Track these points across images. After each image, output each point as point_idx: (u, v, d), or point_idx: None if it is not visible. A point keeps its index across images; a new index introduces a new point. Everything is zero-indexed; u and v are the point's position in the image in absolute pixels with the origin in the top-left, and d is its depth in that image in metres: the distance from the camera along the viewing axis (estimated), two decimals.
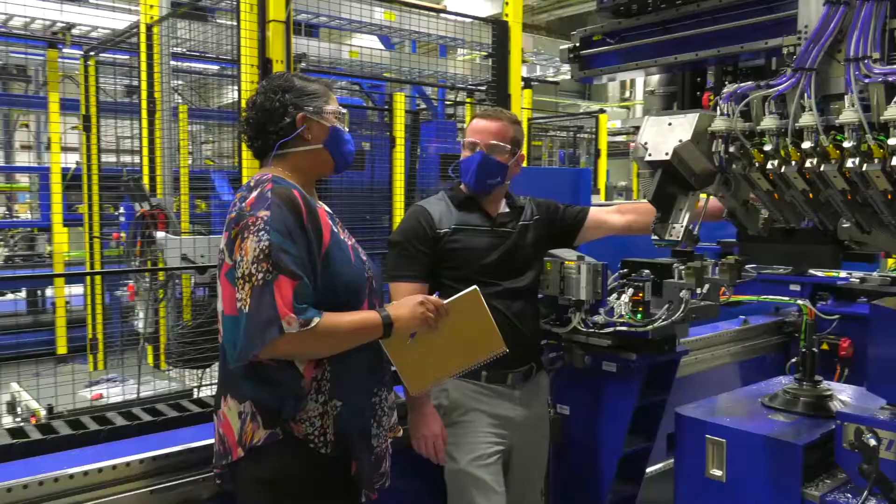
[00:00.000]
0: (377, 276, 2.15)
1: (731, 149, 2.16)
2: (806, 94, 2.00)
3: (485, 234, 2.68)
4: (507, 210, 2.79)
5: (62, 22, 7.06)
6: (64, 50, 7.42)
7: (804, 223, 2.41)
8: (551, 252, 3.07)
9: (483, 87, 9.32)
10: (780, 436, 2.49)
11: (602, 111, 10.71)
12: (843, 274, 4.66)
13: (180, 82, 9.06)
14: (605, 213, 2.98)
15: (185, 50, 6.70)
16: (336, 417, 1.95)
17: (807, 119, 1.99)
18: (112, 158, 7.68)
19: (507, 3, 4.72)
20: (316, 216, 1.94)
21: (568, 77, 15.06)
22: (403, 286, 2.56)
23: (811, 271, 4.67)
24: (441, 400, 2.63)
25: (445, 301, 2.09)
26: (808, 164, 2.02)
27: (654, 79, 3.19)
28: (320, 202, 2.16)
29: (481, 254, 2.64)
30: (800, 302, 4.46)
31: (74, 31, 7.38)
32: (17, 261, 8.75)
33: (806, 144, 2.00)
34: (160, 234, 4.38)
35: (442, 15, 7.62)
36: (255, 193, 1.92)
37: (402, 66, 9.02)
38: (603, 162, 9.52)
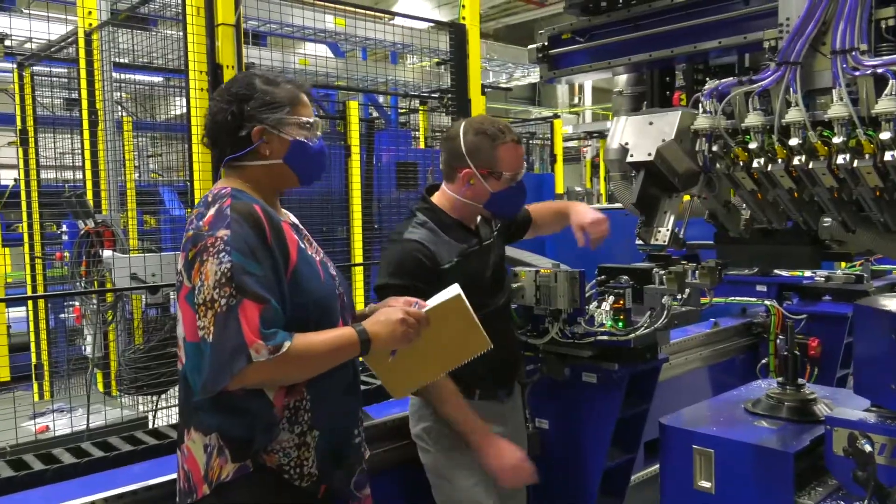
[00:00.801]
0: (348, 291, 2.01)
1: (715, 147, 2.07)
2: (791, 89, 1.93)
3: (476, 255, 2.52)
4: (481, 218, 2.64)
5: None
6: None
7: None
8: (523, 260, 2.95)
9: (436, 95, 9.28)
10: (770, 443, 2.41)
11: (556, 116, 10.71)
12: (807, 273, 4.66)
13: (124, 94, 8.74)
14: (534, 213, 2.90)
15: (128, 60, 6.42)
16: (317, 449, 1.82)
17: (793, 115, 1.92)
18: (53, 174, 7.33)
19: (463, 7, 4.61)
20: (280, 232, 1.79)
21: (520, 83, 15.11)
22: None
23: (776, 271, 4.67)
24: (431, 422, 2.48)
25: (426, 308, 1.92)
26: (795, 162, 1.95)
27: (622, 79, 3.10)
28: (287, 213, 2.03)
29: (478, 276, 2.47)
30: (767, 303, 4.47)
31: (7, 42, 7.03)
32: None
33: (793, 141, 1.93)
34: (107, 253, 4.13)
35: (394, 21, 7.49)
36: (213, 210, 1.76)
37: (353, 73, 8.87)
38: (559, 167, 9.50)
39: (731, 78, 2.05)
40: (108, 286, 4.32)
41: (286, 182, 1.93)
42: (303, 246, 1.87)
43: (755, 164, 2.01)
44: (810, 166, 1.93)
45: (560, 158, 9.68)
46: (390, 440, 2.67)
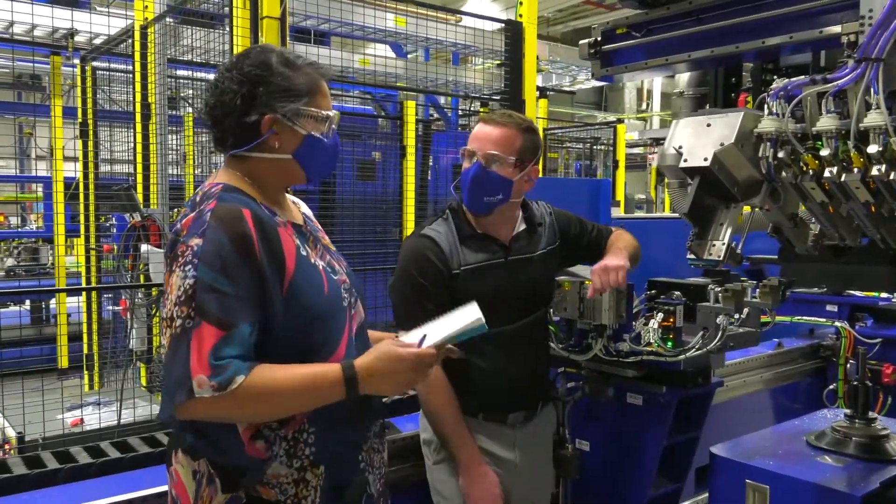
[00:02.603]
0: (359, 290, 1.76)
1: (781, 154, 1.86)
2: (872, 89, 1.71)
3: (498, 269, 2.31)
4: (524, 227, 2.43)
5: (64, 28, 6.86)
6: (68, 57, 7.25)
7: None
8: (569, 269, 2.77)
9: (497, 97, 9.12)
10: (833, 483, 2.18)
11: (620, 121, 10.41)
12: (884, 294, 4.32)
13: (190, 91, 8.87)
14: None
15: (191, 57, 6.48)
16: (322, 488, 1.61)
17: (874, 118, 1.70)
18: (115, 168, 7.47)
19: (521, 4, 4.44)
20: (274, 241, 1.55)
21: (585, 87, 14.83)
22: None
23: (848, 291, 4.34)
24: (431, 434, 2.34)
25: (442, 338, 1.61)
26: (874, 172, 1.73)
27: (683, 80, 2.91)
28: (297, 204, 1.82)
29: (497, 295, 2.26)
30: (838, 324, 4.16)
31: (78, 38, 7.20)
32: (19, 272, 8.56)
33: (872, 148, 1.71)
34: (144, 247, 4.12)
35: (454, 18, 7.37)
36: (194, 212, 1.55)
37: (414, 74, 8.78)
38: (621, 173, 9.21)
39: (803, 76, 1.83)
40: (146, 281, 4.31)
41: (292, 178, 1.72)
42: (304, 252, 1.64)
43: (827, 174, 1.79)
44: (891, 177, 1.70)
45: (622, 164, 9.39)
46: (407, 458, 2.52)
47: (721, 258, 1.90)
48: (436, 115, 10.46)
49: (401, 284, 2.26)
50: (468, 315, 1.64)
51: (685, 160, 1.93)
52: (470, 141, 2.29)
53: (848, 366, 3.99)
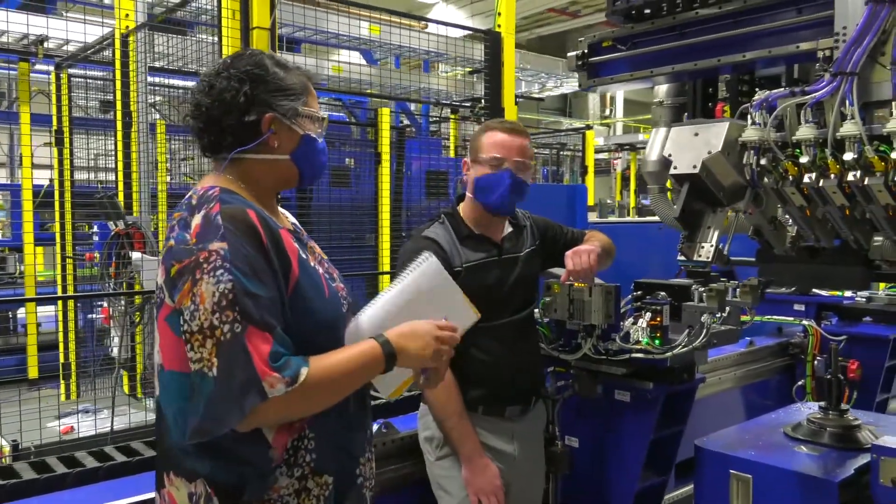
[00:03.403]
0: (355, 305, 1.74)
1: (763, 161, 1.99)
2: (847, 101, 1.84)
3: (494, 266, 2.46)
4: (511, 230, 2.58)
5: (34, 35, 6.79)
6: (37, 64, 7.18)
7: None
8: (557, 273, 2.87)
9: (468, 104, 9.24)
10: (812, 471, 2.31)
11: (589, 127, 10.60)
12: (848, 293, 4.52)
13: (158, 98, 8.83)
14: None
15: (163, 65, 6.48)
16: (327, 499, 1.58)
17: (849, 128, 1.83)
18: (86, 176, 7.40)
19: (499, 14, 4.56)
20: (279, 242, 1.53)
21: (553, 94, 15.02)
22: None
23: (815, 290, 4.53)
24: (434, 431, 2.42)
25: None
26: (849, 178, 1.86)
27: (662, 90, 3.02)
28: (285, 214, 1.79)
29: (492, 289, 2.41)
30: (805, 322, 4.34)
31: (47, 45, 7.13)
32: None
33: (848, 156, 1.84)
34: (136, 255, 4.12)
35: (429, 28, 7.47)
36: (199, 218, 1.49)
37: (386, 81, 8.86)
38: (590, 179, 9.38)
39: (783, 89, 1.96)
40: (137, 288, 4.31)
41: (287, 181, 1.69)
42: (304, 256, 1.61)
43: (806, 179, 1.92)
44: (866, 182, 1.84)
45: (591, 170, 9.57)
46: (407, 457, 2.59)
47: (710, 259, 2.01)
48: (406, 122, 10.55)
49: None
50: (421, 260, 1.73)
51: (675, 167, 2.04)
52: (494, 148, 2.40)
53: (815, 362, 4.14)
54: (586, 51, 2.58)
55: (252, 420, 1.42)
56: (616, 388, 2.68)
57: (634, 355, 2.51)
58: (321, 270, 1.66)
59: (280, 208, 1.79)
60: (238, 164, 1.62)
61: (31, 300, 6.34)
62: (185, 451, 1.51)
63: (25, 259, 7.04)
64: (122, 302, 4.61)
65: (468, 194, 2.48)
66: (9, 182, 10.46)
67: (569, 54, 2.61)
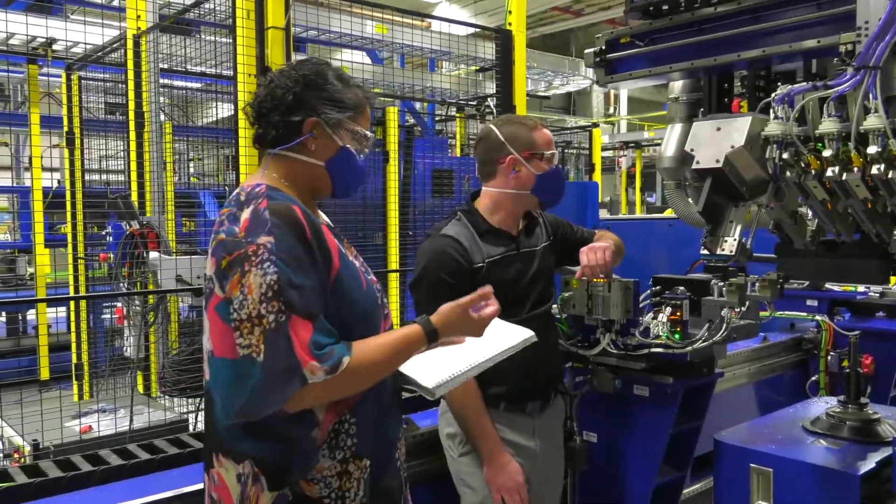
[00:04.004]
0: (385, 299, 1.85)
1: (786, 155, 1.99)
2: (871, 95, 1.84)
3: (514, 260, 2.46)
4: (525, 224, 2.59)
5: (43, 37, 6.82)
6: (45, 67, 7.19)
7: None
8: (572, 269, 2.88)
9: (474, 103, 9.24)
10: (834, 464, 2.32)
11: (596, 125, 10.60)
12: (861, 288, 4.52)
13: (164, 99, 8.85)
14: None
15: (169, 65, 6.49)
16: (367, 482, 1.67)
17: (872, 121, 1.84)
18: (95, 177, 7.43)
19: (510, 13, 4.57)
20: (321, 236, 1.62)
21: (558, 92, 15.02)
22: None
23: (828, 285, 4.53)
24: (456, 427, 2.43)
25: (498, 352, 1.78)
26: (873, 171, 1.86)
27: (677, 86, 3.03)
28: (323, 216, 1.86)
29: (512, 284, 2.42)
30: (818, 318, 4.34)
31: (56, 47, 7.15)
32: None
33: (872, 149, 1.85)
34: (154, 255, 4.14)
35: (434, 27, 7.47)
36: (247, 213, 1.59)
37: (392, 80, 8.86)
38: (597, 176, 9.39)
39: (806, 83, 1.97)
40: (150, 287, 4.32)
41: (320, 188, 1.77)
42: (343, 251, 1.70)
43: (829, 173, 1.93)
44: (889, 176, 1.84)
45: (598, 168, 9.57)
46: (428, 453, 2.60)
47: (733, 253, 2.02)
48: (412, 121, 10.55)
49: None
50: (519, 335, 1.83)
51: (697, 162, 2.05)
52: (549, 145, 2.46)
53: (829, 358, 4.16)
54: (604, 47, 2.58)
55: (293, 403, 1.52)
56: (635, 384, 2.69)
57: (654, 350, 2.52)
58: (357, 264, 1.75)
59: (318, 211, 1.86)
60: (280, 163, 1.72)
61: (42, 300, 6.37)
62: (233, 433, 1.60)
63: (37, 260, 7.08)
64: (137, 302, 4.62)
65: (511, 191, 2.44)
66: (13, 185, 10.49)
67: (586, 51, 2.62)
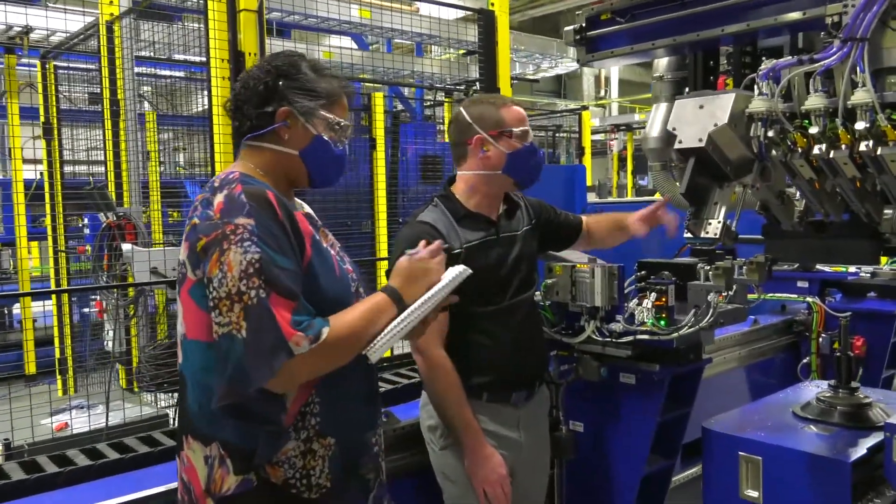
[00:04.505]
0: (366, 287, 1.85)
1: (771, 132, 1.92)
2: (858, 68, 1.76)
3: (494, 245, 2.38)
4: (505, 208, 2.49)
5: (19, 26, 6.67)
6: (22, 57, 7.06)
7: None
8: (556, 255, 2.81)
9: (462, 87, 9.12)
10: (824, 451, 2.26)
11: (585, 108, 10.50)
12: (852, 269, 4.46)
13: (148, 88, 8.71)
14: (591, 225, 2.73)
15: (151, 54, 6.36)
16: (328, 459, 1.67)
17: (860, 96, 1.76)
18: (79, 168, 7.30)
19: None
20: (295, 223, 1.65)
21: (548, 75, 14.88)
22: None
23: (818, 266, 4.46)
24: (437, 420, 2.36)
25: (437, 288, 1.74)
26: (861, 147, 1.79)
27: (662, 64, 2.95)
28: (302, 203, 1.89)
29: (492, 269, 2.34)
30: (809, 299, 4.27)
31: (33, 36, 7.01)
32: None
33: (860, 125, 1.77)
34: (126, 247, 4.04)
35: (420, 10, 7.35)
36: (222, 196, 1.61)
37: (378, 66, 8.74)
38: (587, 160, 9.30)
39: (791, 57, 1.89)
40: (130, 281, 4.23)
41: (297, 177, 1.78)
42: (318, 238, 1.72)
43: (816, 151, 1.85)
44: (878, 152, 1.77)
45: (588, 151, 9.49)
46: (409, 446, 2.53)
47: (718, 236, 1.95)
48: (400, 107, 10.43)
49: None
50: (450, 273, 1.76)
51: (679, 142, 1.97)
52: (520, 122, 2.36)
53: (820, 339, 4.10)
54: (584, 24, 2.49)
55: (282, 379, 1.52)
56: (621, 371, 2.63)
57: (639, 337, 2.45)
58: (333, 252, 1.77)
59: (298, 200, 1.89)
60: (255, 153, 1.74)
61: (24, 294, 6.28)
62: (201, 415, 1.63)
63: (20, 253, 6.98)
64: (116, 295, 4.53)
65: (484, 171, 2.36)
66: None
67: (565, 29, 2.53)
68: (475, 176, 2.37)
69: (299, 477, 1.63)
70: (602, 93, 21.54)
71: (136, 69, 5.99)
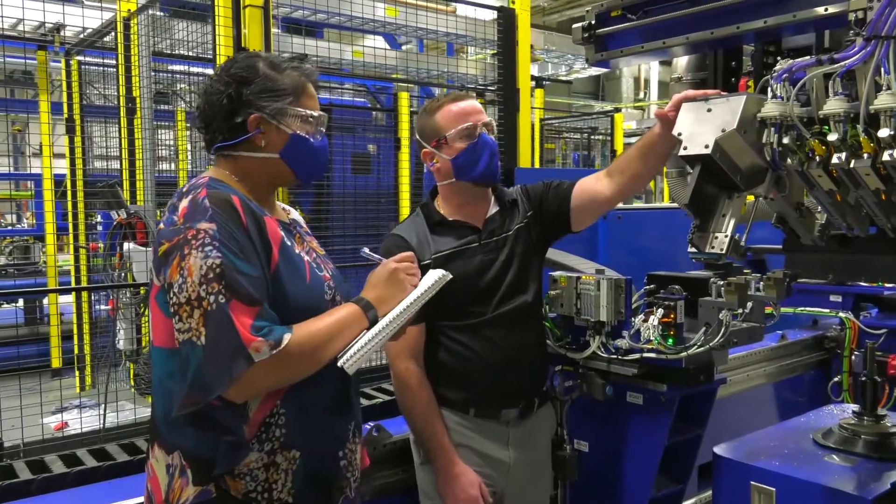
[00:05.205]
0: (346, 294, 1.78)
1: (786, 139, 1.75)
2: (883, 69, 1.60)
3: (473, 253, 2.25)
4: (498, 209, 2.35)
5: (50, 23, 6.72)
6: (56, 52, 7.11)
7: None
8: (565, 264, 2.67)
9: (493, 87, 9.00)
10: (843, 485, 2.08)
11: (617, 110, 10.28)
12: (889, 283, 4.22)
13: (183, 85, 8.74)
14: (593, 182, 2.33)
15: (186, 51, 6.35)
16: (292, 473, 1.62)
17: (885, 99, 1.60)
18: (105, 164, 7.34)
19: None
20: (261, 227, 1.61)
21: (581, 76, 14.66)
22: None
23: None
24: None
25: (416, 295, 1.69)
26: (885, 157, 1.62)
27: (681, 64, 2.79)
28: (287, 209, 1.88)
29: (472, 279, 2.22)
30: (842, 314, 4.05)
31: (66, 33, 7.06)
32: (10, 271, 8.45)
33: (883, 132, 1.61)
34: (127, 246, 4.01)
35: (447, 8, 7.24)
36: (186, 201, 1.59)
37: (408, 65, 8.65)
38: None
39: (808, 57, 1.72)
40: (130, 279, 4.20)
41: (281, 178, 1.76)
42: (288, 243, 1.68)
43: (835, 160, 1.68)
44: None
45: (620, 154, 9.27)
46: (400, 462, 2.42)
47: (724, 251, 1.79)
48: None
49: None
50: (429, 278, 1.71)
51: (685, 147, 1.82)
52: (459, 119, 2.22)
53: (853, 357, 3.88)
54: (593, 22, 2.35)
55: (242, 387, 1.48)
56: (628, 390, 2.48)
57: (646, 355, 2.30)
58: (307, 258, 1.72)
59: (283, 205, 1.89)
60: (232, 161, 1.71)
61: (51, 291, 6.31)
62: (165, 423, 1.60)
63: (48, 250, 7.04)
64: (128, 293, 4.51)
65: (445, 182, 2.29)
66: (37, 171, 10.52)
67: (574, 26, 2.39)
68: (441, 187, 2.31)
69: (261, 490, 1.58)
70: (641, 94, 21.19)
71: (170, 67, 6.00)
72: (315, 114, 1.74)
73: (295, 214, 1.91)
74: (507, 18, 4.26)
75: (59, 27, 6.83)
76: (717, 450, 2.34)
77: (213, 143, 1.72)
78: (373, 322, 1.62)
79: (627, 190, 2.31)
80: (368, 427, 2.42)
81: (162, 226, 1.61)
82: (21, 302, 8.57)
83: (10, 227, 10.39)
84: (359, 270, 4.91)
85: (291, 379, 1.58)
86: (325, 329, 1.58)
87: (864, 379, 2.40)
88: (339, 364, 1.58)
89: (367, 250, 1.80)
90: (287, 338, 1.49)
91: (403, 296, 1.66)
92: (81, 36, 6.99)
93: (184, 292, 1.49)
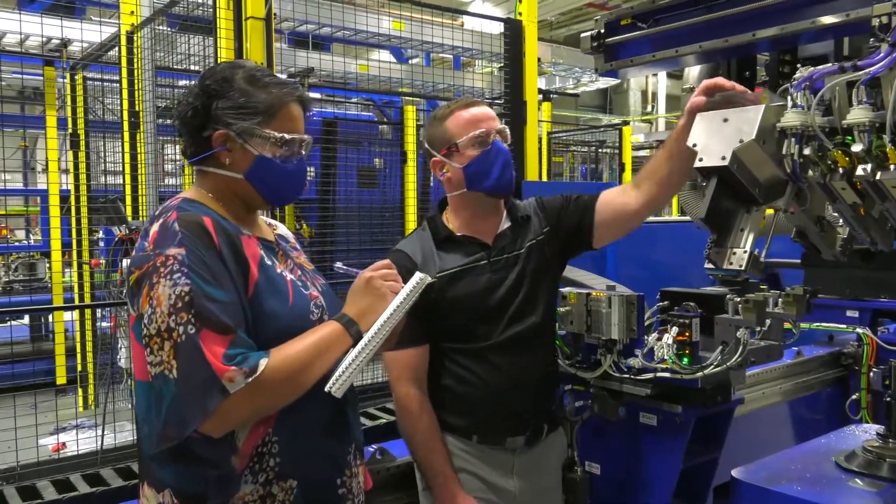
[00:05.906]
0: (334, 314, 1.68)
1: (807, 150, 1.67)
2: None
3: (481, 271, 2.14)
4: (510, 225, 2.24)
5: (57, 38, 6.72)
6: (62, 68, 7.11)
7: None
8: (574, 279, 2.59)
9: (500, 100, 8.97)
10: None
11: (625, 123, 10.22)
12: None
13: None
14: (619, 194, 2.24)
15: (189, 66, 6.32)
16: (294, 503, 1.55)
17: None
18: (110, 180, 7.32)
19: (520, 2, 4.27)
20: (238, 248, 1.54)
21: (589, 89, 14.62)
22: (402, 354, 2.07)
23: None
24: None
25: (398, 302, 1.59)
26: None
27: (693, 74, 2.72)
28: (273, 223, 1.81)
29: (478, 299, 2.11)
30: (859, 330, 3.94)
31: (72, 48, 7.06)
32: (16, 287, 8.43)
33: None
34: (126, 262, 3.95)
35: (454, 22, 7.21)
36: (157, 226, 1.52)
37: (415, 79, 8.63)
38: (628, 176, 9.03)
39: (830, 64, 1.65)
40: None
41: (250, 200, 1.66)
42: (269, 262, 1.60)
43: (859, 172, 1.60)
44: None
45: (629, 167, 9.21)
46: (405, 486, 2.34)
47: (743, 267, 1.71)
48: None
49: None
50: (410, 282, 1.62)
51: (700, 159, 1.74)
52: (471, 126, 2.11)
53: (871, 374, 3.78)
54: (602, 31, 2.28)
55: (219, 420, 1.40)
56: (641, 411, 2.39)
57: (660, 375, 2.21)
58: (291, 277, 1.65)
59: (270, 220, 1.82)
60: (208, 178, 1.64)
61: (56, 308, 6.26)
62: (153, 460, 1.53)
63: (53, 266, 7.01)
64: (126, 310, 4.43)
65: (455, 193, 2.19)
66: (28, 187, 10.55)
67: (582, 35, 2.32)
68: (451, 199, 2.21)
69: None
70: (649, 108, 21.15)
71: (181, 81, 5.97)
72: (284, 136, 1.61)
73: (282, 230, 1.84)
74: (514, 30, 4.21)
75: (65, 43, 6.83)
76: (736, 473, 2.24)
77: (185, 154, 1.67)
78: (356, 339, 1.54)
79: (655, 201, 2.17)
80: (372, 450, 2.34)
81: (134, 252, 1.55)
82: (27, 318, 8.54)
83: (17, 243, 10.37)
84: None
85: (273, 407, 1.51)
86: (305, 351, 1.49)
87: (888, 399, 2.31)
88: (325, 389, 1.49)
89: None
90: (263, 363, 1.42)
91: (384, 304, 1.57)
92: (87, 51, 6.99)
93: (153, 323, 1.42)
